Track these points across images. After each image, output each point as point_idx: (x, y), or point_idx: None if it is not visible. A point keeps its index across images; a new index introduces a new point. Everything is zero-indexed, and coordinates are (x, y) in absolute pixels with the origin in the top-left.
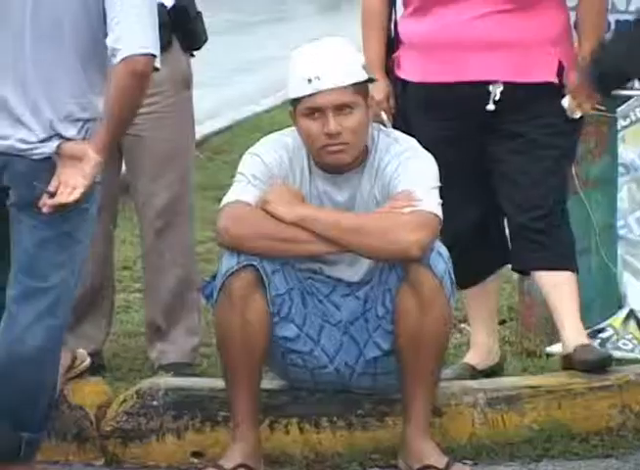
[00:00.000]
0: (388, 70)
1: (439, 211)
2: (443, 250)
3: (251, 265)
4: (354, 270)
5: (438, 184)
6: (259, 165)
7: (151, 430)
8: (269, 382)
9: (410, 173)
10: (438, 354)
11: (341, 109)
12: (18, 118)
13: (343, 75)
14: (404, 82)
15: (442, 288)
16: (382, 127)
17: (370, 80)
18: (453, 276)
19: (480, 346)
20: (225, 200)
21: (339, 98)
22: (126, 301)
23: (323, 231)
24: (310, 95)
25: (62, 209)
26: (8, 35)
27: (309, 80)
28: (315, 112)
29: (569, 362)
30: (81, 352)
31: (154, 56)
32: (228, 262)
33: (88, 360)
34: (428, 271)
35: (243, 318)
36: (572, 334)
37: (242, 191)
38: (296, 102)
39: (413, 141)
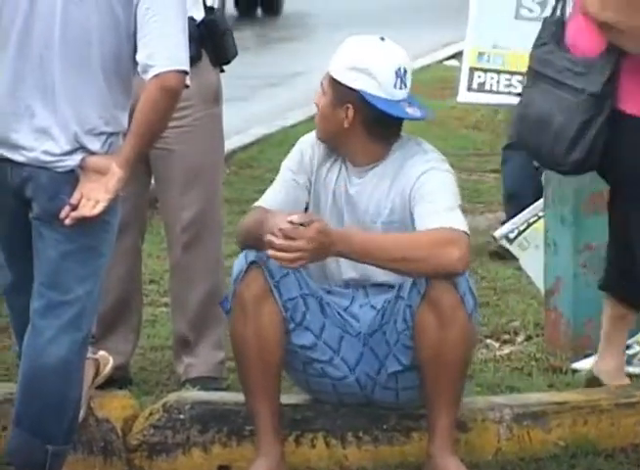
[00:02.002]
0: None
1: (466, 228)
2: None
3: (259, 268)
4: (345, 265)
5: (459, 201)
6: (297, 155)
7: (177, 444)
8: (295, 396)
9: (436, 187)
10: (461, 370)
11: (320, 89)
12: (44, 130)
13: (335, 63)
14: None
15: (463, 305)
16: (412, 137)
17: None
18: (475, 293)
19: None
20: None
21: (323, 80)
22: (153, 315)
23: (365, 258)
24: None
25: (83, 222)
26: (36, 52)
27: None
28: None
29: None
30: (102, 353)
31: (185, 73)
32: (239, 264)
33: (111, 360)
34: (449, 288)
35: (256, 323)
36: None
37: (270, 194)
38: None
39: (441, 155)
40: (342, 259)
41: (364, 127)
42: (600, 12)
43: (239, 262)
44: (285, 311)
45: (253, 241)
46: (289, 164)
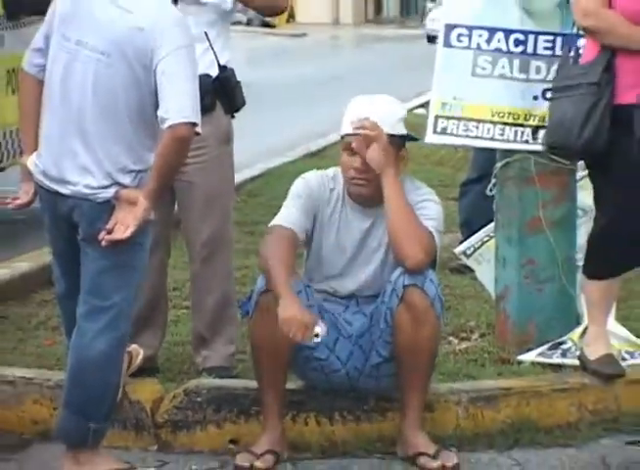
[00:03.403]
0: None
1: (438, 242)
2: (434, 277)
3: None
4: (354, 281)
5: (442, 228)
6: (304, 186)
7: (196, 421)
8: (292, 383)
9: (426, 212)
10: (430, 362)
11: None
12: (84, 168)
13: (383, 125)
14: None
15: (433, 308)
16: (407, 176)
17: (409, 137)
18: (443, 299)
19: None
20: (272, 222)
21: (373, 139)
22: (176, 316)
23: None
24: (351, 134)
25: (117, 243)
26: (75, 103)
27: (352, 122)
28: (351, 148)
29: None
30: (134, 347)
31: (194, 124)
32: (261, 282)
33: (141, 352)
34: (422, 294)
35: (272, 329)
36: None
37: (283, 215)
38: (342, 138)
39: (431, 190)
40: (345, 277)
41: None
42: (583, 19)
43: (261, 280)
44: None
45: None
46: (298, 192)
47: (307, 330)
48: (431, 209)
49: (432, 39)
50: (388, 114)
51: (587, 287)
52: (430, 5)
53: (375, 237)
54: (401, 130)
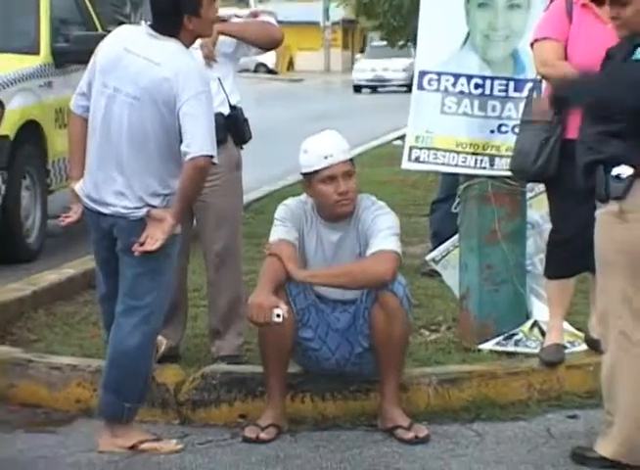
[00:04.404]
0: None
1: (399, 250)
2: (402, 280)
3: (283, 289)
4: (341, 292)
5: (399, 232)
6: (287, 210)
7: (211, 400)
8: (292, 368)
9: (379, 224)
10: (402, 350)
11: (347, 175)
12: (121, 193)
13: (346, 153)
14: None
15: (402, 306)
16: (364, 194)
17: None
18: (410, 298)
19: (560, 329)
20: (270, 239)
21: (345, 167)
22: (195, 313)
23: (324, 282)
24: (327, 167)
25: (148, 253)
26: (113, 139)
27: (325, 157)
28: (330, 178)
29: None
30: (159, 338)
31: (211, 156)
32: None
33: (165, 342)
34: (392, 295)
35: (277, 326)
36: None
37: (277, 232)
38: (311, 174)
39: (384, 203)
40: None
41: None
42: (539, 68)
43: None
44: (297, 315)
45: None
46: (282, 215)
47: (267, 312)
48: (386, 219)
49: (358, 89)
50: (343, 144)
51: (547, 286)
52: (357, 56)
53: (346, 248)
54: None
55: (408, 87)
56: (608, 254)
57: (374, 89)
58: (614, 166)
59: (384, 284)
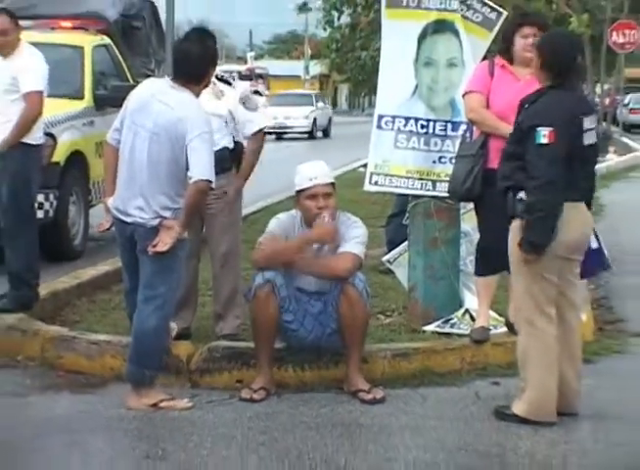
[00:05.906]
0: None
1: (362, 255)
2: (362, 276)
3: (269, 281)
4: (309, 281)
5: (366, 241)
6: (278, 221)
7: (215, 369)
8: (278, 344)
9: (351, 234)
10: (363, 331)
11: (327, 195)
12: (140, 207)
13: (327, 178)
14: None
15: (362, 297)
16: (341, 211)
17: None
18: (369, 290)
19: (486, 315)
20: (260, 239)
21: (325, 189)
22: (203, 301)
23: (301, 264)
24: (312, 187)
25: (160, 254)
26: (136, 165)
27: (311, 179)
28: (313, 196)
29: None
30: (172, 325)
31: (210, 181)
32: (257, 279)
33: (176, 328)
34: (353, 288)
35: (265, 311)
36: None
37: (267, 232)
38: (300, 192)
39: (358, 219)
40: (309, 277)
41: None
42: (467, 113)
43: (258, 277)
44: (281, 302)
45: (274, 256)
46: (274, 226)
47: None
48: (357, 231)
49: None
50: (326, 171)
51: (476, 282)
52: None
53: (324, 251)
54: (332, 179)
55: (309, 134)
56: (516, 256)
57: (278, 136)
58: (519, 191)
59: (340, 278)
